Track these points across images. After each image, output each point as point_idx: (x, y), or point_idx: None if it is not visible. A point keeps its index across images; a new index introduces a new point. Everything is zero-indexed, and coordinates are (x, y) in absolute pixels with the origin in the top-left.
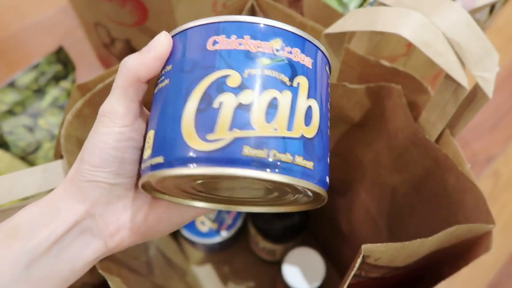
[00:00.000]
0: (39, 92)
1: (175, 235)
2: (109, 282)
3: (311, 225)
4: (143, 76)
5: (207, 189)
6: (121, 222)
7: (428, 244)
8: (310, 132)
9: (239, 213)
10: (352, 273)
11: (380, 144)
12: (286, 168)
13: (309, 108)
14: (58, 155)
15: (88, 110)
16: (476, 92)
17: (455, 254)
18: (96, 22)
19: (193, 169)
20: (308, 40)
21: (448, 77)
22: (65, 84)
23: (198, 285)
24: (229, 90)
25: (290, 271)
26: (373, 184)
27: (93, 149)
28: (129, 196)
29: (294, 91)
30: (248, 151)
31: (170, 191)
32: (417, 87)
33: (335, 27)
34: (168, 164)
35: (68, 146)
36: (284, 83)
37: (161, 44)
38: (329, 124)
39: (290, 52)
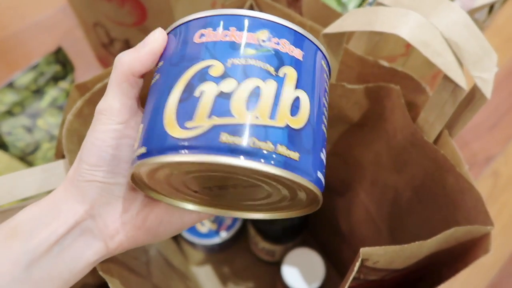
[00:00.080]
0: (38, 92)
1: (175, 235)
2: (110, 284)
3: (311, 226)
4: (137, 70)
5: (199, 187)
6: (121, 223)
7: (426, 246)
8: (297, 122)
9: None
10: (351, 276)
11: (379, 145)
12: (265, 157)
13: (297, 98)
14: (59, 155)
15: (88, 109)
16: (474, 93)
17: (454, 256)
18: (95, 22)
19: (170, 157)
20: (299, 33)
21: (446, 78)
22: (64, 84)
23: (198, 286)
24: (211, 79)
25: (290, 272)
26: (372, 184)
27: (91, 148)
28: (129, 197)
29: (280, 80)
30: (225, 138)
31: (163, 189)
32: (415, 87)
33: (334, 27)
34: (149, 153)
35: (70, 146)
36: (269, 72)
37: (155, 39)
38: (324, 119)
39: (278, 43)
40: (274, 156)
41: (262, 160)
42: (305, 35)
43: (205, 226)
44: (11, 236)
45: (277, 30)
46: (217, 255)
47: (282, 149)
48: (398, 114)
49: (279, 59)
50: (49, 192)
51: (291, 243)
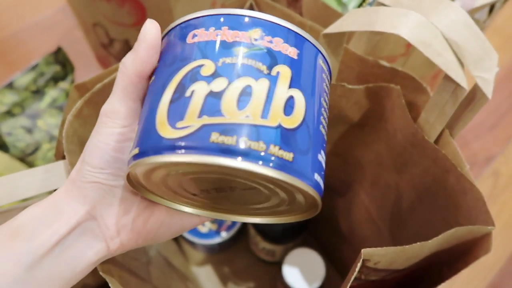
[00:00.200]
0: (38, 93)
1: None
2: (110, 284)
3: (311, 226)
4: (141, 70)
5: (197, 190)
6: (122, 224)
7: (427, 246)
8: (291, 122)
9: None
10: (352, 277)
11: (380, 145)
12: (257, 157)
13: (291, 98)
14: (59, 156)
15: (88, 110)
16: (475, 93)
17: (454, 256)
18: (94, 23)
19: (161, 157)
20: (294, 31)
21: (447, 78)
22: (63, 84)
23: (198, 286)
24: (202, 79)
25: (290, 272)
26: (373, 185)
27: (94, 150)
28: (130, 200)
29: (272, 79)
30: (215, 137)
31: (161, 191)
32: (416, 87)
33: (334, 27)
34: (142, 154)
35: (70, 146)
36: (261, 71)
37: (148, 31)
38: (323, 120)
39: (271, 42)
40: (266, 156)
41: (254, 161)
42: (300, 33)
43: (206, 226)
44: (12, 237)
45: (270, 29)
46: (217, 255)
47: (275, 149)
48: (399, 114)
49: (272, 58)
50: (50, 192)
51: (292, 243)
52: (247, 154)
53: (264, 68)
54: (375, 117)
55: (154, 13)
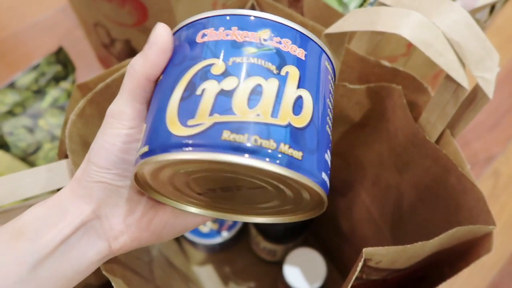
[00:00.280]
0: (39, 92)
1: None
2: (113, 284)
3: (312, 226)
4: (151, 73)
5: (203, 189)
6: (126, 225)
7: (429, 246)
8: (300, 121)
9: None
10: (354, 276)
11: (381, 145)
12: (268, 155)
13: (299, 97)
14: (62, 155)
15: (90, 109)
16: (476, 93)
17: (456, 255)
18: (95, 23)
19: (172, 155)
20: (301, 33)
21: (448, 78)
22: (65, 84)
23: (199, 286)
24: (213, 78)
25: (291, 272)
26: (374, 184)
27: (100, 150)
28: (135, 200)
29: (282, 79)
30: (227, 135)
31: (167, 191)
32: (417, 87)
33: (335, 27)
34: (152, 151)
35: (73, 146)
36: (270, 71)
37: (160, 36)
38: (329, 121)
39: (279, 42)
40: (276, 154)
41: (264, 159)
42: (308, 35)
43: (207, 226)
44: (17, 236)
45: (279, 30)
46: (218, 255)
47: (285, 148)
48: (400, 114)
49: (281, 58)
50: (51, 192)
51: (293, 243)
52: (258, 152)
53: (273, 68)
54: (376, 117)
55: (155, 13)
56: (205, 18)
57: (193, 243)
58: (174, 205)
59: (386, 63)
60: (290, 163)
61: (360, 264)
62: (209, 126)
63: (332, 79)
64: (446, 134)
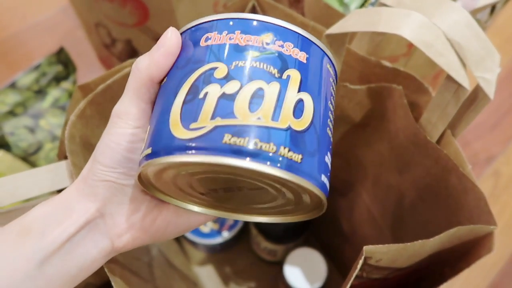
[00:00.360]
0: (40, 93)
1: None
2: (113, 284)
3: (313, 226)
4: (155, 75)
5: (206, 190)
6: (130, 223)
7: (429, 245)
8: (300, 125)
9: None
10: (354, 274)
11: (381, 145)
12: (268, 158)
13: (300, 101)
14: (62, 156)
15: (91, 110)
16: (477, 93)
17: (456, 255)
18: (96, 23)
19: (174, 157)
20: (303, 36)
21: (449, 78)
22: (66, 84)
23: (200, 286)
24: (215, 81)
25: (292, 272)
26: (375, 185)
27: (105, 150)
28: (140, 198)
29: (283, 83)
30: (228, 139)
31: (170, 191)
32: (418, 87)
33: (336, 28)
34: (155, 154)
35: (72, 147)
36: (272, 75)
37: (169, 39)
38: (329, 123)
39: (282, 46)
40: (276, 157)
41: (264, 162)
42: (310, 38)
43: (207, 226)
44: (24, 234)
45: (282, 33)
46: (218, 255)
47: (285, 151)
48: (401, 114)
49: (283, 62)
50: (52, 192)
51: (293, 243)
52: (258, 155)
53: (275, 71)
54: (377, 117)
55: (156, 13)
56: (209, 21)
57: (193, 243)
58: (177, 204)
59: (387, 63)
60: (289, 166)
61: (361, 262)
62: (210, 129)
63: (333, 81)
64: (447, 134)
